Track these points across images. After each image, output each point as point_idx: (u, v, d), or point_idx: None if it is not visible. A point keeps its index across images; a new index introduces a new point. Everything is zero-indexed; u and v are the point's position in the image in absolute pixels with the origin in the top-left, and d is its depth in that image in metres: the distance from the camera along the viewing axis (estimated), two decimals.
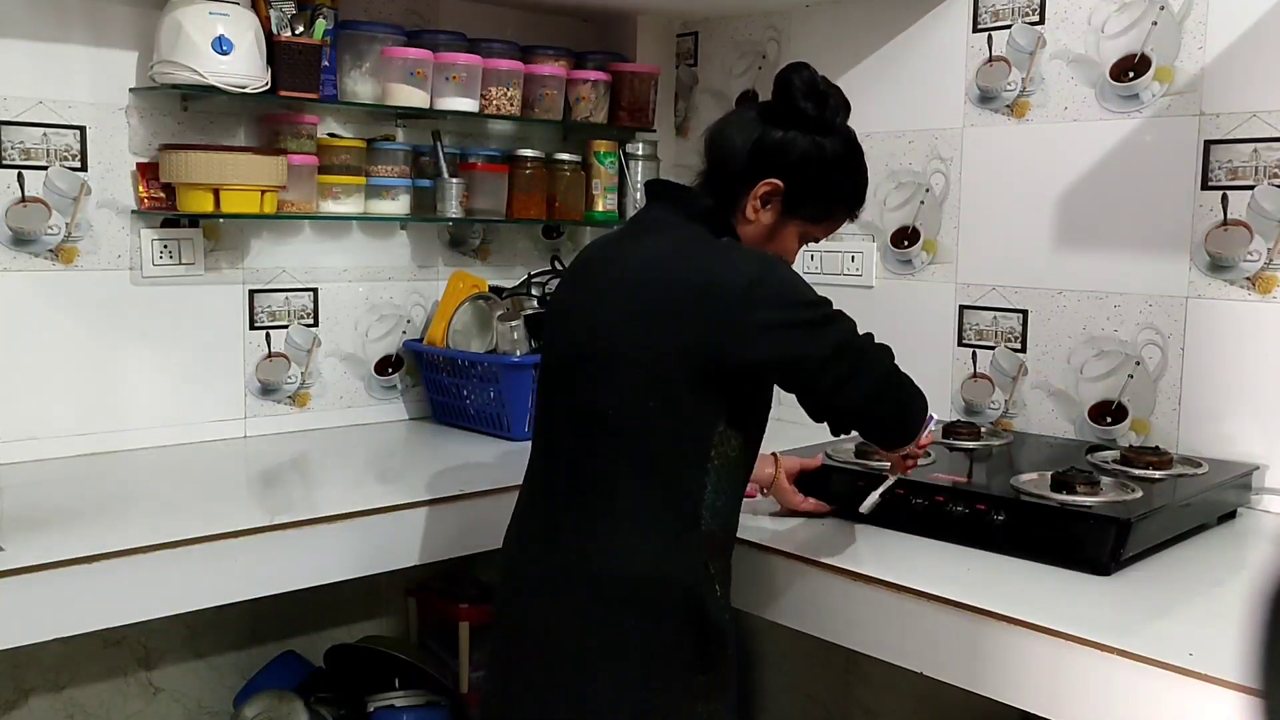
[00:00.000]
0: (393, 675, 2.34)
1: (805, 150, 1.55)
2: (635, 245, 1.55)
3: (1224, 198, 2.00)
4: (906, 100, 2.46)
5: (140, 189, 2.23)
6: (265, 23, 2.19)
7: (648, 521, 1.47)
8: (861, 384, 1.49)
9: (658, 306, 1.46)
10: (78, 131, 2.16)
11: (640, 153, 2.81)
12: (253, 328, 2.42)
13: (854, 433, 1.62)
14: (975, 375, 2.38)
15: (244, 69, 2.12)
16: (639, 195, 2.82)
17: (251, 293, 2.41)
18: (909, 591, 1.54)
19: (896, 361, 1.56)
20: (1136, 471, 1.88)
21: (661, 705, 1.46)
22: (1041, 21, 2.24)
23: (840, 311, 1.51)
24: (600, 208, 2.78)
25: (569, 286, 1.64)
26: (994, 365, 2.34)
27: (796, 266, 2.64)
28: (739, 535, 1.76)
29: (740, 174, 1.55)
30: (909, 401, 1.57)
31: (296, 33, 2.23)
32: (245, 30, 2.13)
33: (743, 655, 2.67)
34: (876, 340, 1.55)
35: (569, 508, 1.52)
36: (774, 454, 1.86)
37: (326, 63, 2.32)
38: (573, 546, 1.50)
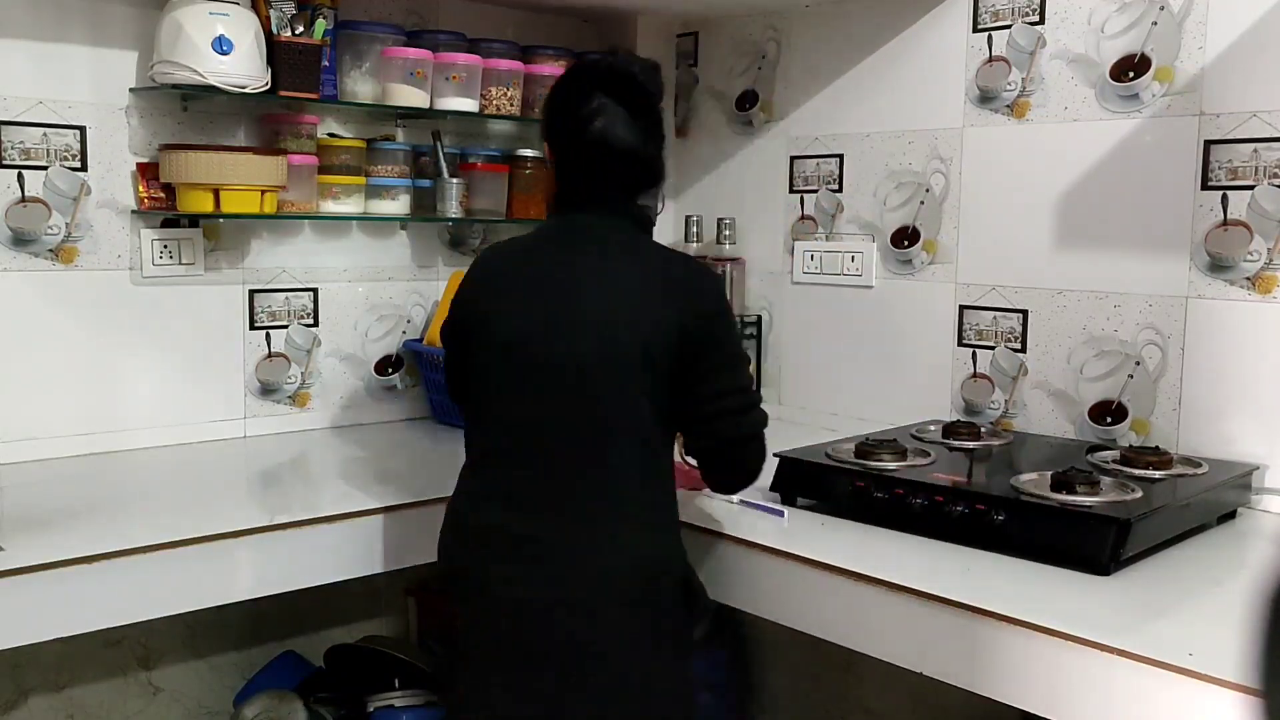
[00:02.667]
0: (393, 675, 2.34)
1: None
2: (604, 264, 1.63)
3: (1224, 198, 2.00)
4: (906, 100, 2.46)
5: (140, 189, 2.23)
6: (265, 23, 2.19)
7: (648, 518, 1.60)
8: (741, 426, 1.63)
9: (640, 324, 1.57)
10: (78, 131, 2.16)
11: None
12: (253, 328, 2.42)
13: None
14: (975, 375, 2.37)
15: (244, 69, 2.12)
16: None
17: (251, 293, 2.41)
18: (909, 591, 1.54)
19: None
20: (1136, 471, 1.88)
21: (680, 675, 1.63)
22: (1041, 21, 2.24)
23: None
24: None
25: (523, 297, 1.64)
26: (994, 365, 2.34)
27: (797, 266, 2.67)
28: (741, 536, 1.78)
29: (661, 170, 1.71)
30: (757, 463, 1.68)
31: (296, 33, 2.23)
32: (245, 30, 2.13)
33: (743, 655, 2.68)
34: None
35: (564, 514, 1.57)
36: None
37: (326, 63, 2.32)
38: (579, 551, 1.56)
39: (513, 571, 1.58)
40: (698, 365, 1.58)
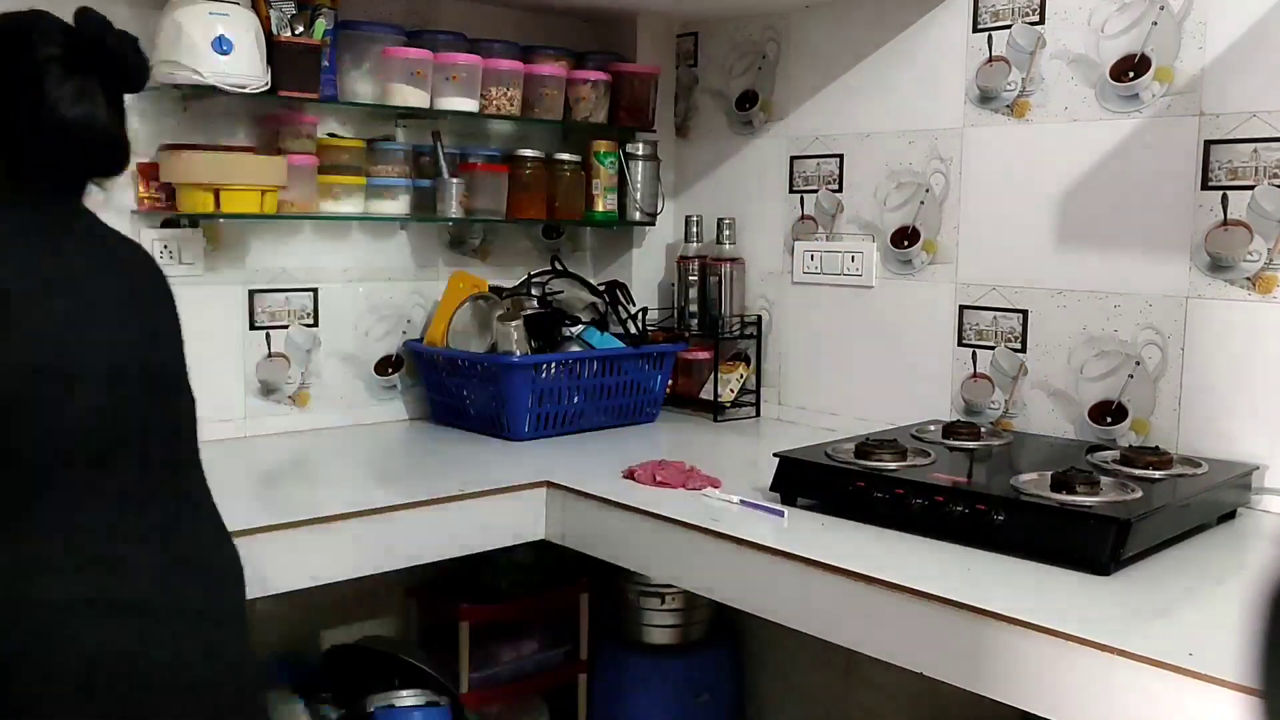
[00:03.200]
0: (393, 675, 2.34)
1: None
2: (117, 253, 1.48)
3: (1224, 198, 2.00)
4: (906, 100, 2.46)
5: (140, 189, 2.23)
6: (265, 23, 2.19)
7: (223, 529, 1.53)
8: None
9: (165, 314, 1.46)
10: None
11: (640, 153, 2.81)
12: (252, 328, 2.42)
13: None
14: (975, 375, 2.38)
15: (244, 69, 2.12)
16: (638, 195, 2.82)
17: (251, 293, 2.41)
18: (909, 591, 1.54)
19: None
20: (1136, 471, 1.88)
21: None
22: (1041, 21, 2.24)
23: None
24: (600, 208, 2.78)
25: (67, 291, 1.36)
26: (994, 365, 2.34)
27: (797, 266, 2.66)
28: (741, 536, 1.78)
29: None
30: None
31: (296, 33, 2.23)
32: (245, 30, 2.13)
33: (741, 655, 2.68)
34: None
35: (178, 531, 1.45)
36: None
37: (326, 63, 2.31)
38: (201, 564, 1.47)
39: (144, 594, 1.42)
40: None
